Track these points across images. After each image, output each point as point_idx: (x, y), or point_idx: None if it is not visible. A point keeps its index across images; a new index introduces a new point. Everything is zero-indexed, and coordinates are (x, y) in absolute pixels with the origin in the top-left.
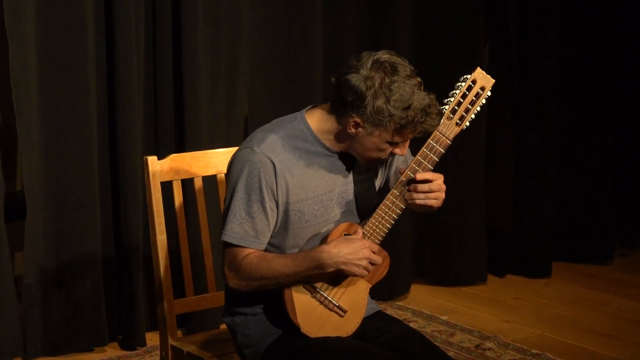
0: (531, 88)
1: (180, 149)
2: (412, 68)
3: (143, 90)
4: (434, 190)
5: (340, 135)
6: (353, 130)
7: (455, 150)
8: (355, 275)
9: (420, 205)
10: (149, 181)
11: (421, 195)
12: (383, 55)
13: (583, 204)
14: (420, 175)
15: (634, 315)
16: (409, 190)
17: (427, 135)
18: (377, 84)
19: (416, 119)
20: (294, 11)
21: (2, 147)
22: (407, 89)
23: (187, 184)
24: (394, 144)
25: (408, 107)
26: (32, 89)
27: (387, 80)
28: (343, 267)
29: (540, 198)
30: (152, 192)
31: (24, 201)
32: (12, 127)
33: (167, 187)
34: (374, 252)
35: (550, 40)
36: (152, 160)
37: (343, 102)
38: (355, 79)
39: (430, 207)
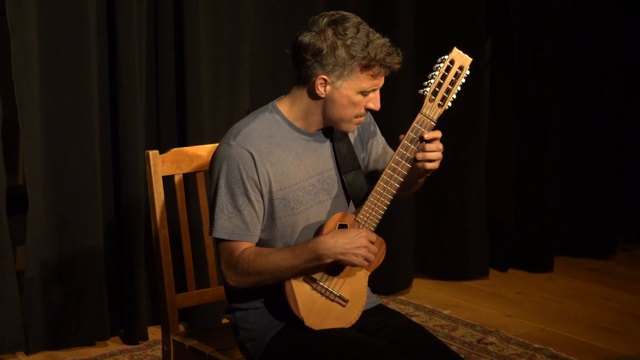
0: (533, 82)
1: (182, 143)
2: (365, 23)
3: (145, 85)
4: (440, 148)
5: (314, 108)
6: (322, 90)
7: (458, 144)
8: (354, 265)
9: (428, 167)
10: (150, 175)
11: (433, 155)
12: (332, 12)
13: (585, 198)
14: (429, 135)
15: (636, 309)
16: (422, 150)
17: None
18: (331, 35)
19: (378, 55)
20: (295, 4)
21: (3, 141)
22: (362, 32)
23: (188, 178)
24: (365, 94)
25: (367, 45)
26: (34, 83)
27: (340, 29)
28: (341, 257)
29: (542, 192)
30: (154, 186)
31: (26, 195)
32: (14, 121)
33: (168, 181)
34: (370, 241)
35: (551, 39)
36: (153, 154)
37: (305, 66)
38: (308, 37)
39: (432, 168)
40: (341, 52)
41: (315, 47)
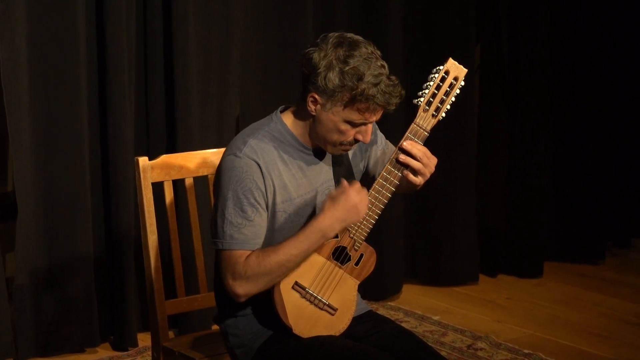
0: (523, 87)
1: (172, 149)
2: (379, 54)
3: (134, 91)
4: (425, 160)
5: (308, 124)
6: (312, 107)
7: (447, 149)
8: (360, 219)
9: (410, 178)
10: (139, 182)
11: (416, 165)
12: (347, 34)
13: (575, 203)
14: (410, 146)
15: (626, 315)
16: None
17: (387, 114)
18: (332, 57)
19: (368, 91)
20: (285, 11)
21: None
22: (364, 64)
23: (178, 184)
24: (354, 125)
25: (360, 79)
26: (22, 90)
27: (343, 54)
28: (344, 224)
29: (532, 198)
30: (143, 192)
31: (15, 202)
32: (3, 128)
33: (158, 187)
34: (355, 190)
35: (541, 40)
36: (143, 160)
37: (303, 80)
38: (311, 52)
39: (416, 181)
40: (334, 77)
41: (313, 63)
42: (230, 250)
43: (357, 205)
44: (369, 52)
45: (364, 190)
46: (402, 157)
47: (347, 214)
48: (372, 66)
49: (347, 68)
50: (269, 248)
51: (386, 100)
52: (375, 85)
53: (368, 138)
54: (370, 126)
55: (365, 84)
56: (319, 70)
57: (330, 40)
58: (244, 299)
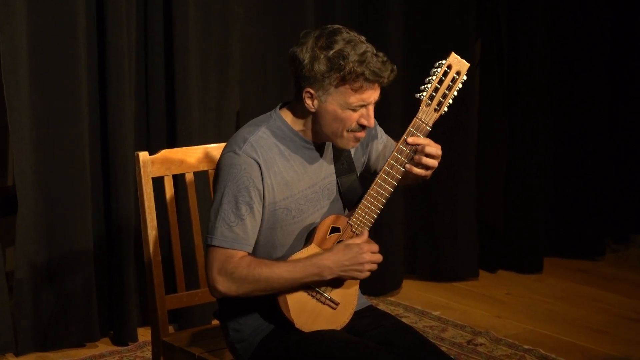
0: (523, 87)
1: (172, 144)
2: (363, 38)
3: (134, 86)
4: (437, 155)
5: (309, 122)
6: (310, 103)
7: (447, 145)
8: (355, 278)
9: (415, 171)
10: (140, 176)
11: (429, 162)
12: (328, 26)
13: (575, 199)
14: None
15: (625, 310)
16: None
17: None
18: (314, 47)
19: (356, 68)
20: (284, 6)
21: None
22: (348, 46)
23: (178, 179)
24: (354, 110)
25: (345, 59)
26: (23, 84)
27: (324, 42)
28: (342, 274)
29: (532, 194)
30: (144, 187)
31: (16, 196)
32: (4, 122)
33: (158, 182)
34: (373, 251)
35: (541, 40)
36: (143, 155)
37: (294, 78)
38: (295, 49)
39: (420, 174)
40: (321, 65)
41: (298, 59)
42: (220, 247)
43: (364, 265)
44: (351, 36)
45: (379, 256)
46: (417, 157)
47: (351, 267)
48: (356, 47)
49: (331, 53)
50: (264, 260)
51: (376, 75)
52: (362, 62)
53: (372, 121)
54: (371, 108)
55: (351, 63)
56: (305, 63)
57: (311, 34)
58: (219, 297)
